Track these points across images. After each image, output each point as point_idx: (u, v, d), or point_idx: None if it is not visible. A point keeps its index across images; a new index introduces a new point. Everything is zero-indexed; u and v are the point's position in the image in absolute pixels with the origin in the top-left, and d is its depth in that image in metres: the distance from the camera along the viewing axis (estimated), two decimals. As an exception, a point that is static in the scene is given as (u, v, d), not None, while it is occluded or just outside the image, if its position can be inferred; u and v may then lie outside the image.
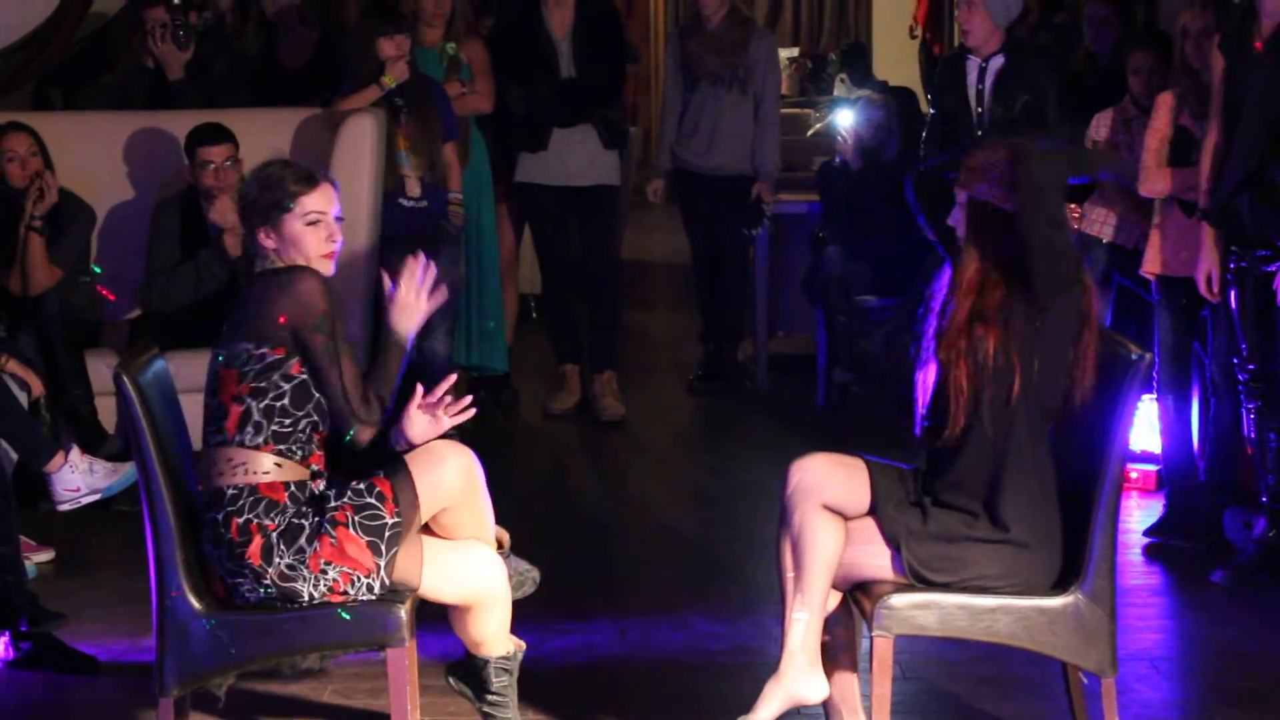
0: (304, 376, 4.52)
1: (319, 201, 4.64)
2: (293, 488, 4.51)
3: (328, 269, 4.64)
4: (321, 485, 4.58)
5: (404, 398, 4.66)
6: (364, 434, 4.59)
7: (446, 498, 4.61)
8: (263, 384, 4.50)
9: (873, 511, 4.62)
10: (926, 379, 4.67)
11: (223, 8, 9.17)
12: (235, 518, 4.47)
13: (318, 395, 4.54)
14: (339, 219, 4.68)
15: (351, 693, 5.35)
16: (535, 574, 4.88)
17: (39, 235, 7.20)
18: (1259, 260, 6.15)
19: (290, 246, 4.62)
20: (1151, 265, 6.76)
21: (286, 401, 4.51)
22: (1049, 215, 4.48)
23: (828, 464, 4.66)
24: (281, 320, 4.50)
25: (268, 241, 4.62)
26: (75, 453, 6.54)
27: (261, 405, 4.50)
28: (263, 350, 4.50)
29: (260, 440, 4.50)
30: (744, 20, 9.45)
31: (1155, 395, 6.83)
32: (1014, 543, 4.54)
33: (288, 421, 4.52)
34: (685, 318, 10.85)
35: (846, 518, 4.60)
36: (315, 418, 4.55)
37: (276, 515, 4.47)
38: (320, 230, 4.63)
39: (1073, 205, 4.65)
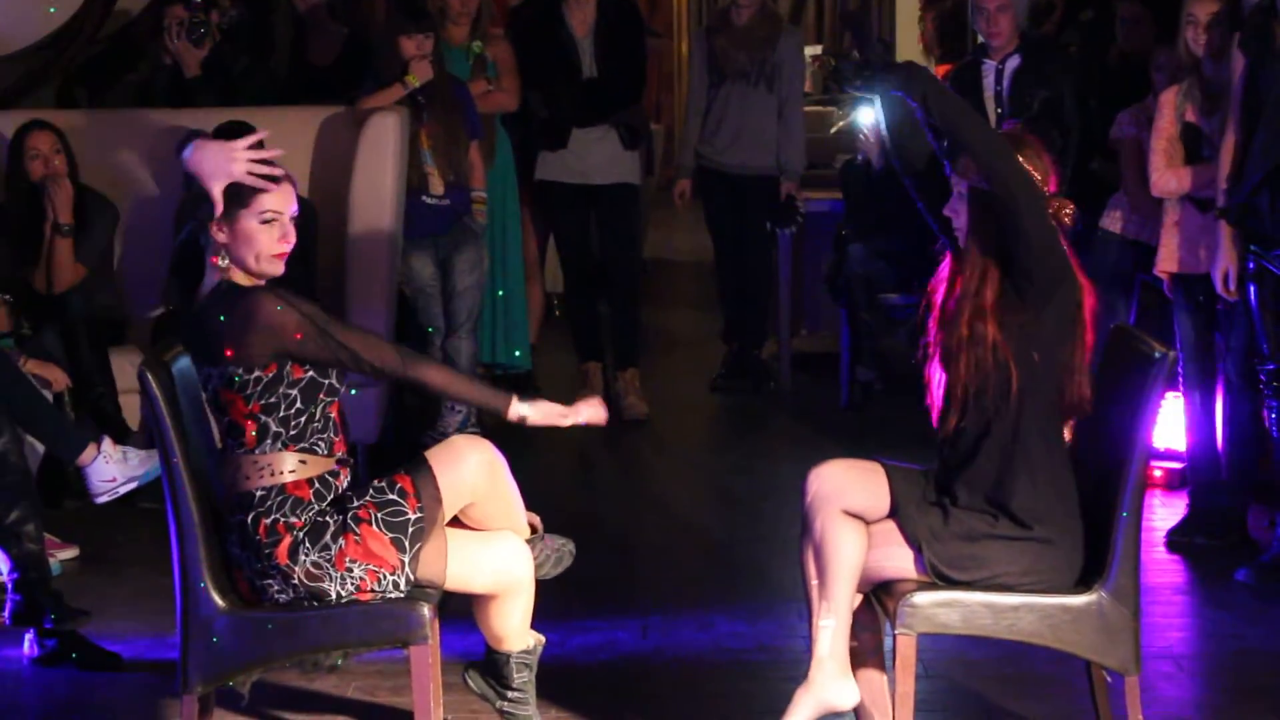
0: (309, 374, 4.51)
1: (276, 200, 4.55)
2: (317, 484, 4.51)
3: (277, 269, 4.56)
4: (346, 477, 4.58)
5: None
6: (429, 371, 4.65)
7: (470, 492, 4.60)
8: (272, 399, 4.49)
9: (893, 514, 4.61)
10: (933, 374, 4.65)
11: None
12: (263, 518, 4.47)
13: (327, 380, 4.53)
14: (294, 218, 4.58)
15: (375, 690, 5.35)
16: (570, 545, 4.82)
17: (64, 235, 7.22)
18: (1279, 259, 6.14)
19: (241, 243, 4.53)
20: (1166, 264, 6.73)
21: (299, 404, 4.50)
22: (1044, 209, 4.46)
23: (845, 470, 4.64)
24: (259, 349, 4.45)
25: (219, 235, 4.53)
26: (107, 443, 6.36)
27: (278, 417, 4.50)
28: (255, 374, 4.47)
29: (279, 445, 4.50)
30: (773, 16, 9.45)
31: (1181, 392, 6.81)
32: (1037, 540, 4.51)
33: (303, 419, 4.51)
34: (708, 316, 10.84)
35: (867, 522, 4.60)
36: (327, 399, 4.54)
37: (302, 513, 4.48)
38: (274, 229, 4.54)
39: (1067, 201, 4.58)
